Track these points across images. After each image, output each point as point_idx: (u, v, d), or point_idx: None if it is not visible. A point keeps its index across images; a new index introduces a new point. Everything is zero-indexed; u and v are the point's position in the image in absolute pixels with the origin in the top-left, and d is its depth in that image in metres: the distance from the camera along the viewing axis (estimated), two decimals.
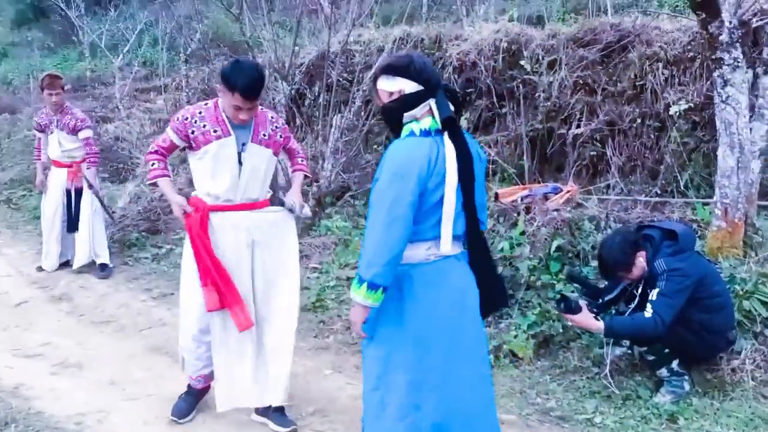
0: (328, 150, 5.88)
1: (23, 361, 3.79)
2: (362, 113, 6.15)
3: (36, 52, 14.71)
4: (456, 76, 6.21)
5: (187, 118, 2.85)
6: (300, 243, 5.25)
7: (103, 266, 5.39)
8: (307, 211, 3.13)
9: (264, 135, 2.91)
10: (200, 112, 2.85)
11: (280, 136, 3.01)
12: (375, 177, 2.16)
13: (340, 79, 6.35)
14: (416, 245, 2.13)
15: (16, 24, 18.82)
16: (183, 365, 3.12)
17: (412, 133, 2.12)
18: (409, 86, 2.13)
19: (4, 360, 3.77)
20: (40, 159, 5.54)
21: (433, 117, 2.13)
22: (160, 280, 5.26)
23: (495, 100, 5.97)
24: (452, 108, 2.15)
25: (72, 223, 5.36)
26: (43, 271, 5.47)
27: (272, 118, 3.01)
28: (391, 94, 2.17)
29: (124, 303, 4.75)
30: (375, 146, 6.63)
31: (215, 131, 2.82)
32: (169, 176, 3.03)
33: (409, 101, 2.14)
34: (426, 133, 2.11)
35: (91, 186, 5.33)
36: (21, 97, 12.83)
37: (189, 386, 3.13)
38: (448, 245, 2.15)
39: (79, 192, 5.33)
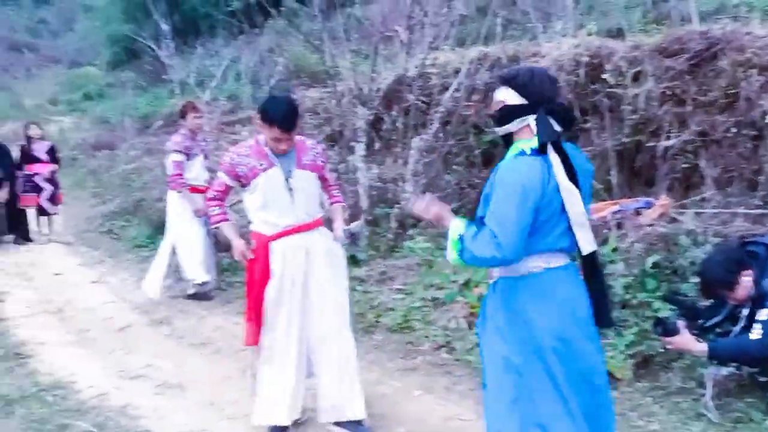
0: (408, 172, 5.93)
1: (128, 383, 4.00)
2: (441, 135, 6.18)
3: (129, 92, 15.66)
4: None
5: (233, 159, 3.05)
6: (383, 264, 5.38)
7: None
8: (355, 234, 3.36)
9: (307, 161, 3.11)
10: (245, 151, 3.06)
11: (321, 161, 3.20)
12: (485, 193, 2.13)
13: (418, 102, 6.42)
14: (527, 259, 2.10)
15: (111, 66, 20.23)
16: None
17: (522, 153, 2.08)
18: (512, 98, 2.11)
19: (112, 381, 3.99)
20: (183, 185, 5.37)
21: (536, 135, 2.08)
22: None
23: (578, 114, 5.85)
24: (559, 127, 2.09)
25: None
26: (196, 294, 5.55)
27: (311, 145, 3.21)
28: (498, 102, 2.16)
29: (219, 326, 4.94)
30: (455, 167, 6.63)
31: (261, 164, 3.00)
32: (229, 220, 3.27)
33: (507, 114, 2.12)
34: (534, 152, 2.06)
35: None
36: (118, 134, 13.71)
37: None
38: (588, 246, 2.11)
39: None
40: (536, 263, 2.11)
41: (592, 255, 2.15)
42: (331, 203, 3.40)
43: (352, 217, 6.41)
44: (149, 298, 5.50)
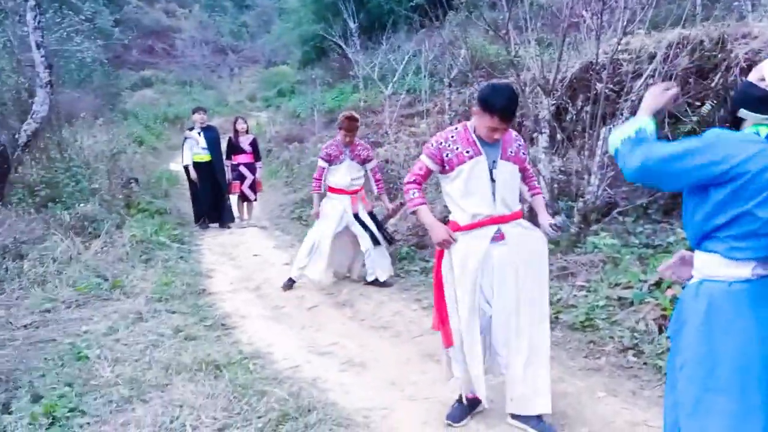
0: (594, 164, 5.66)
1: (317, 358, 4.30)
2: None
3: (318, 88, 16.73)
4: (743, 78, 5.52)
5: (441, 143, 3.06)
6: (565, 260, 5.21)
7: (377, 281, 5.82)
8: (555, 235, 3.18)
9: (511, 152, 3.06)
10: (452, 136, 3.06)
11: (523, 153, 3.15)
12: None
13: (607, 91, 6.09)
14: (725, 263, 1.93)
15: (302, 64, 21.77)
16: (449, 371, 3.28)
17: (757, 133, 1.90)
18: None
19: (303, 355, 4.32)
20: (319, 190, 5.89)
21: None
22: (429, 291, 5.53)
23: None
24: None
25: (373, 237, 5.80)
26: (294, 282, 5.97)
27: (515, 136, 3.15)
28: (762, 80, 1.90)
29: (398, 311, 5.12)
30: None
31: (467, 152, 3.00)
32: (426, 203, 3.22)
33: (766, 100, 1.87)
34: None
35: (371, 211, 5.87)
36: (307, 127, 14.72)
37: (460, 395, 3.26)
38: None
39: (356, 215, 5.83)
40: (752, 270, 1.91)
41: None
42: (532, 195, 3.33)
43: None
44: (317, 280, 5.82)
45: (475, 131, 3.03)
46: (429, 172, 3.15)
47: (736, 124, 1.97)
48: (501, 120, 2.89)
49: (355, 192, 5.84)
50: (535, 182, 3.37)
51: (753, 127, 1.91)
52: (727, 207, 1.86)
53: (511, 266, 3.02)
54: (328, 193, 5.88)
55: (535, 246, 3.09)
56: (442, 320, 3.14)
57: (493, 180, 2.99)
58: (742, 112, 1.93)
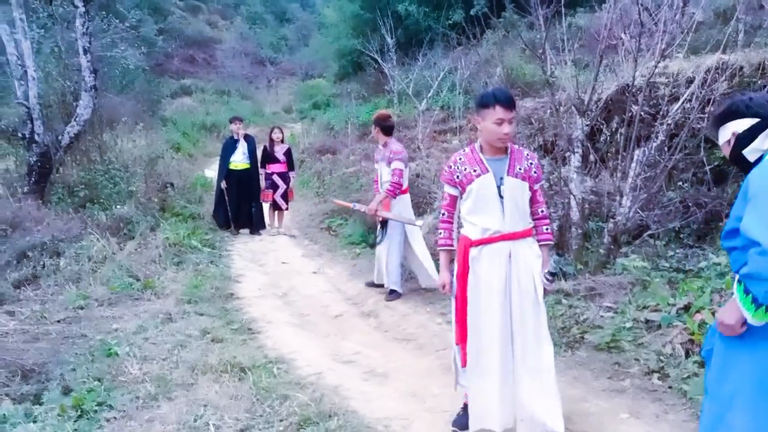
0: (627, 186, 5.61)
1: (341, 366, 4.34)
2: (666, 148, 5.76)
3: (353, 102, 16.88)
4: None
5: (450, 167, 3.16)
6: (593, 280, 5.16)
7: (391, 291, 5.85)
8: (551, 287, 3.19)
9: (519, 169, 3.07)
10: (460, 158, 3.14)
11: (534, 172, 3.14)
12: (735, 207, 2.03)
13: (642, 113, 6.05)
14: None
15: (339, 78, 22.04)
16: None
17: None
18: (741, 125, 2.07)
19: (326, 363, 4.36)
20: (378, 191, 5.96)
21: None
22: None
23: None
24: None
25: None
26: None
27: (528, 155, 3.16)
28: (729, 142, 2.12)
29: (422, 324, 5.13)
30: (679, 183, 6.13)
31: (475, 170, 3.06)
32: (451, 246, 3.30)
33: (744, 139, 2.07)
34: None
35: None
36: (341, 140, 14.85)
37: (465, 404, 3.31)
38: None
39: (384, 220, 5.90)
40: None
41: None
42: (538, 240, 3.22)
43: (560, 229, 6.26)
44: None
45: (482, 150, 3.10)
46: (453, 198, 3.24)
47: (745, 167, 2.09)
48: (503, 108, 2.94)
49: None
50: (542, 211, 3.23)
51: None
52: None
53: (516, 284, 3.05)
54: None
55: (536, 267, 3.10)
56: (462, 338, 3.16)
57: (501, 196, 3.03)
58: (748, 153, 2.08)
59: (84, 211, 7.92)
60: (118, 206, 8.10)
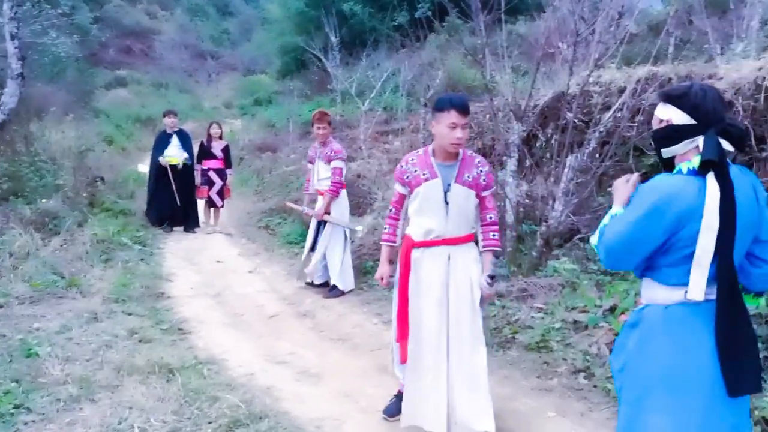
0: (559, 191, 5.77)
1: (274, 366, 4.27)
2: (597, 155, 5.95)
3: (295, 99, 16.71)
4: None
5: (402, 166, 3.21)
6: (525, 282, 5.28)
7: (332, 287, 5.91)
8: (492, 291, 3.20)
9: (468, 177, 3.10)
10: (413, 159, 3.18)
11: (483, 180, 3.15)
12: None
13: (576, 121, 6.23)
14: (662, 288, 2.00)
15: (281, 75, 21.77)
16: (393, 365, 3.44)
17: (679, 171, 1.96)
18: (678, 117, 1.96)
19: (259, 363, 4.29)
20: (308, 190, 6.17)
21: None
22: (390, 306, 5.56)
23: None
24: (730, 148, 1.92)
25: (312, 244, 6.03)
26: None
27: (479, 162, 3.17)
28: (661, 121, 2.02)
29: (358, 324, 5.12)
30: (609, 189, 6.34)
31: (424, 174, 3.10)
32: (394, 242, 3.39)
33: (672, 134, 1.98)
34: (693, 172, 1.91)
35: (327, 213, 5.86)
36: (282, 138, 14.69)
37: (399, 391, 3.37)
38: (697, 293, 1.91)
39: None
40: (670, 295, 1.99)
41: (729, 297, 1.88)
42: (484, 245, 3.22)
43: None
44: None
45: (434, 154, 3.12)
46: (402, 196, 3.30)
47: (668, 165, 2.06)
48: (458, 113, 2.97)
49: (323, 194, 5.93)
50: (491, 217, 3.22)
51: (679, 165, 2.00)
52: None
53: (452, 287, 3.10)
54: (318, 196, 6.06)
55: (474, 270, 3.14)
56: (403, 336, 3.19)
57: (447, 202, 3.07)
58: (665, 152, 2.03)
59: (7, 205, 7.52)
60: (43, 200, 7.72)
